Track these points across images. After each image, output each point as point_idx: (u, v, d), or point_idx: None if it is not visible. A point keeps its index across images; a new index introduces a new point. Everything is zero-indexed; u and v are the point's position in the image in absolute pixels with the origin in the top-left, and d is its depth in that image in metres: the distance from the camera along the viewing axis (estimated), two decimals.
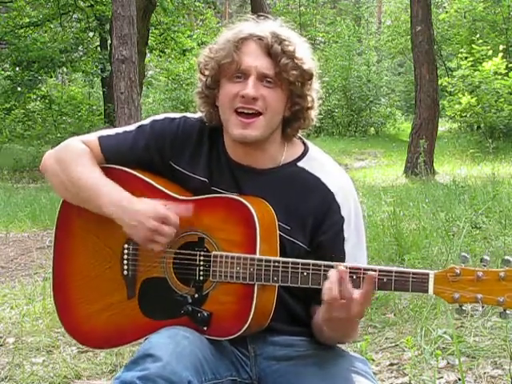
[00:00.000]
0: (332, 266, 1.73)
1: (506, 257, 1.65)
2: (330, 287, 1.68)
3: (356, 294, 1.66)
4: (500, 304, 1.64)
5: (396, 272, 1.69)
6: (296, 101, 1.89)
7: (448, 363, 3.05)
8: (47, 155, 2.02)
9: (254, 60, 1.83)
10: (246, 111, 1.83)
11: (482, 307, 1.65)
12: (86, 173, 1.92)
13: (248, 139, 1.84)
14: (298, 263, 1.76)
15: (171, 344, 1.68)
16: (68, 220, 2.01)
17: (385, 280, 1.69)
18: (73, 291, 2.00)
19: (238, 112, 1.84)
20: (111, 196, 1.87)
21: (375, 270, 1.70)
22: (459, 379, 2.85)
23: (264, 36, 1.84)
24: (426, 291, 1.67)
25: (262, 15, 1.94)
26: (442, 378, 2.91)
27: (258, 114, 1.83)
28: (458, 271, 1.66)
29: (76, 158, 1.95)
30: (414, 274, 1.68)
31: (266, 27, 1.87)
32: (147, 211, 1.82)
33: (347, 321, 1.71)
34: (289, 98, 1.88)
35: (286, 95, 1.87)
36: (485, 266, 1.65)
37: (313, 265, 1.75)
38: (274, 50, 1.82)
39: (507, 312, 1.64)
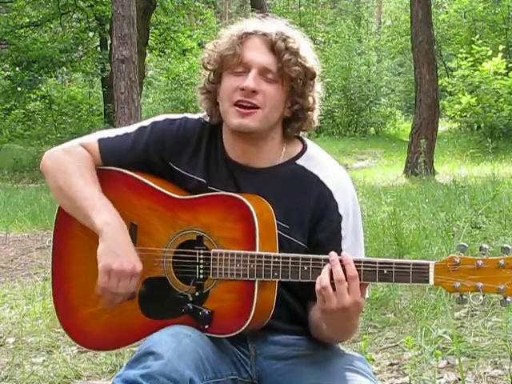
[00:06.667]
0: None
1: (505, 245, 1.66)
2: (321, 277, 1.69)
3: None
4: (500, 292, 1.65)
5: (396, 263, 1.69)
6: (296, 100, 1.89)
7: (448, 363, 3.06)
8: (47, 155, 2.01)
9: (257, 54, 1.84)
10: (244, 104, 1.83)
11: (483, 295, 1.65)
12: (82, 184, 1.90)
13: (245, 129, 1.84)
14: (298, 258, 1.76)
15: (173, 342, 1.68)
16: (66, 221, 2.00)
17: (385, 272, 1.69)
18: (72, 293, 1.99)
19: (237, 105, 1.84)
20: (103, 215, 1.85)
21: (375, 263, 1.70)
22: (459, 379, 2.85)
23: (269, 32, 1.85)
24: (427, 281, 1.68)
25: (268, 14, 1.95)
26: (441, 378, 2.91)
27: (256, 107, 1.83)
28: (458, 260, 1.67)
29: (75, 166, 1.94)
30: (414, 264, 1.69)
31: (272, 25, 1.88)
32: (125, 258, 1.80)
33: (341, 313, 1.69)
34: (289, 97, 1.88)
35: (286, 93, 1.87)
36: (484, 254, 1.66)
37: (313, 259, 1.75)
38: (278, 47, 1.83)
39: (508, 299, 1.65)
